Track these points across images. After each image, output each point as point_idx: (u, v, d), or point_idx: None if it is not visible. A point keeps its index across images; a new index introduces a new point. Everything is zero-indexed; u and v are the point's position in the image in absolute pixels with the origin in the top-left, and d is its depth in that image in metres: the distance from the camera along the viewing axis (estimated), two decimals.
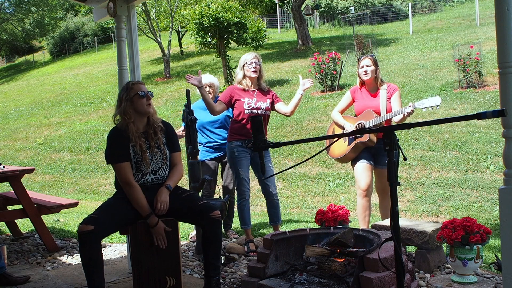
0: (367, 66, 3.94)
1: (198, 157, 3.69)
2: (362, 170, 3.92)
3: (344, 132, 3.97)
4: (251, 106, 3.97)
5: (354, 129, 3.91)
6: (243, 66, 4.05)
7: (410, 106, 3.69)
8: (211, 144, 4.53)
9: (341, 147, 4.02)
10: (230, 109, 4.25)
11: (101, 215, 2.78)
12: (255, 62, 4.00)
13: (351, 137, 3.93)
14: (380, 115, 3.88)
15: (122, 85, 3.65)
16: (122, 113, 2.96)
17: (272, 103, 4.12)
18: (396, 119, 3.84)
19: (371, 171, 3.96)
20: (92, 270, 2.71)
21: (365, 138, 3.84)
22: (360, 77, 4.01)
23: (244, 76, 4.04)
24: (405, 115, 3.73)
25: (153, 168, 3.01)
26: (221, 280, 3.33)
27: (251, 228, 4.19)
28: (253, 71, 4.01)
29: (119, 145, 2.94)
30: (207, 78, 4.49)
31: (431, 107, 3.66)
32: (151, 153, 2.99)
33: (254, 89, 4.07)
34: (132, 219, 2.90)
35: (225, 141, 4.37)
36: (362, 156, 3.95)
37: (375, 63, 3.97)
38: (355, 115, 4.09)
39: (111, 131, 3.08)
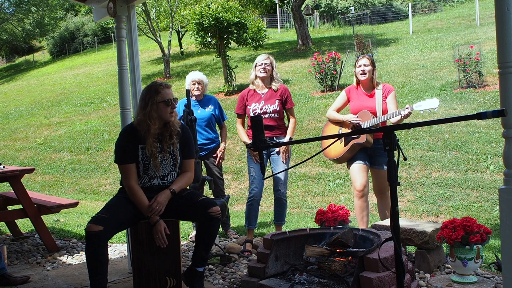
0: (365, 65, 3.92)
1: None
2: (358, 170, 3.91)
3: (344, 126, 3.98)
4: (256, 111, 4.04)
5: (354, 122, 3.89)
6: (255, 66, 4.15)
7: (407, 108, 3.65)
8: None
9: (338, 147, 4.00)
10: (217, 110, 4.52)
11: (110, 215, 2.75)
12: (264, 63, 4.09)
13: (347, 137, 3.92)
14: (376, 116, 3.87)
15: (122, 85, 3.64)
16: (146, 115, 2.91)
17: (283, 104, 4.12)
18: (392, 121, 3.81)
19: (367, 171, 3.94)
20: (97, 270, 2.69)
21: (362, 139, 3.81)
22: (357, 77, 3.99)
23: (256, 76, 4.14)
24: (402, 117, 3.70)
25: (161, 173, 2.99)
26: (221, 281, 3.33)
27: (254, 228, 4.18)
28: (261, 71, 4.09)
29: (128, 146, 2.93)
30: (196, 75, 4.53)
31: (428, 109, 3.61)
32: (162, 157, 2.97)
33: (264, 91, 4.12)
34: (136, 219, 2.90)
35: (208, 141, 4.52)
36: (358, 157, 3.93)
37: (373, 63, 3.96)
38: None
39: (123, 130, 3.07)
